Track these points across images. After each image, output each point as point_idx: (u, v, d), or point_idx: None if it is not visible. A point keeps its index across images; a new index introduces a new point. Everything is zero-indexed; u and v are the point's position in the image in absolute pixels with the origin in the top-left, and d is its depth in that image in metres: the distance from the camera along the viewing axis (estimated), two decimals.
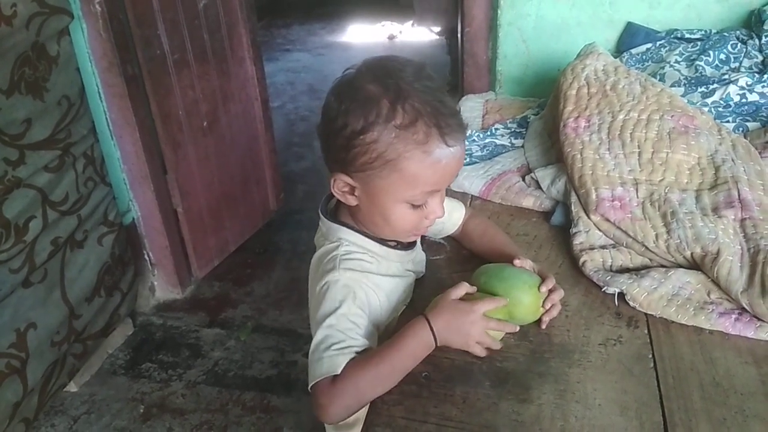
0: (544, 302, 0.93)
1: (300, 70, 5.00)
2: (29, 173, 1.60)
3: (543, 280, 0.94)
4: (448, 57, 3.67)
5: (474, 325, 0.86)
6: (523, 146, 1.42)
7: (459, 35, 1.99)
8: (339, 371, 0.81)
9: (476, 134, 1.46)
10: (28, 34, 1.57)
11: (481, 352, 0.88)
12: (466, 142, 1.40)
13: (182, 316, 2.36)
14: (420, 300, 0.99)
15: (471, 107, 1.67)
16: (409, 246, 1.01)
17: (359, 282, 0.89)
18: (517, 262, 0.96)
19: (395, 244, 0.97)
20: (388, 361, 0.83)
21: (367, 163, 0.83)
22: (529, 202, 1.25)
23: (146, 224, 2.28)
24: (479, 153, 1.41)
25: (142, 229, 2.28)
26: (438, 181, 0.86)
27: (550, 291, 0.93)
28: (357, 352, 0.84)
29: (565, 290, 1.00)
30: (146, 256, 2.33)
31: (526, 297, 0.91)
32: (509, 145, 1.44)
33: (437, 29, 5.07)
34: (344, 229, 0.94)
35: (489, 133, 1.47)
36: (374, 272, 0.93)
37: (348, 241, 0.93)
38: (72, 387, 2.00)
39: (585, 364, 0.88)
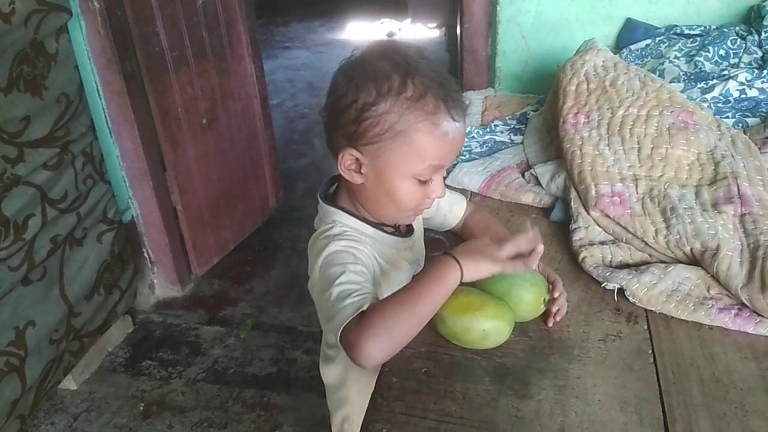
0: (550, 306, 0.93)
1: (299, 68, 5.00)
2: (28, 171, 1.60)
3: (549, 281, 0.95)
4: (447, 53, 3.67)
5: (491, 258, 0.84)
6: (522, 142, 1.42)
7: (458, 32, 1.99)
8: (365, 308, 0.80)
9: (475, 131, 1.46)
10: (27, 32, 1.57)
11: (507, 269, 0.85)
12: (465, 139, 1.42)
13: (182, 314, 2.36)
14: None
15: (470, 104, 1.67)
16: (407, 233, 1.03)
17: (355, 247, 0.91)
18: (530, 233, 0.92)
19: (392, 230, 1.00)
20: (415, 294, 0.82)
21: (379, 135, 0.86)
22: (528, 198, 1.24)
23: (145, 222, 2.28)
24: (479, 149, 1.41)
25: (142, 226, 2.28)
26: (444, 156, 0.89)
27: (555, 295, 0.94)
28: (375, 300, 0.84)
29: (564, 286, 1.00)
30: (146, 254, 2.33)
31: (527, 294, 0.91)
32: (509, 141, 1.44)
33: (433, 24, 5.07)
34: (340, 212, 0.97)
35: (488, 129, 1.47)
36: (368, 250, 0.94)
37: (342, 223, 0.96)
38: (72, 385, 2.00)
39: (585, 360, 0.88)
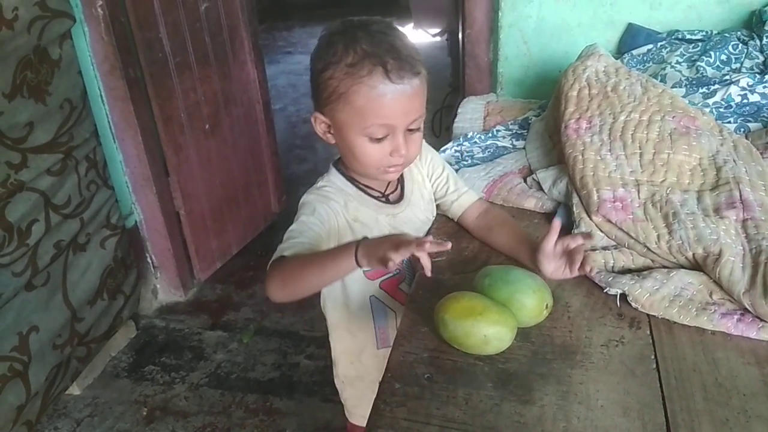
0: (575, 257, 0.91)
1: (302, 73, 5.00)
2: (32, 177, 1.61)
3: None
4: (449, 58, 3.67)
5: (388, 244, 0.83)
6: (524, 148, 1.42)
7: (460, 37, 1.99)
8: (286, 254, 0.94)
9: (477, 136, 1.46)
10: (30, 38, 1.57)
11: (391, 268, 0.82)
12: (467, 143, 1.43)
13: (185, 319, 2.36)
14: (421, 301, 0.99)
15: (472, 109, 1.67)
16: (396, 201, 1.12)
17: (320, 202, 1.05)
18: (556, 222, 0.95)
19: (378, 194, 1.10)
20: (316, 258, 0.93)
21: (327, 98, 0.97)
22: (530, 203, 1.24)
23: (148, 227, 2.28)
24: (481, 154, 1.41)
25: (145, 231, 2.29)
26: (388, 115, 0.96)
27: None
28: (308, 250, 0.96)
29: (567, 291, 1.00)
30: (149, 259, 2.34)
31: (530, 301, 0.91)
32: (511, 146, 1.44)
33: (434, 31, 5.06)
34: (333, 170, 1.11)
35: (490, 134, 1.47)
36: (341, 206, 1.06)
37: (329, 179, 1.10)
38: (75, 390, 2.00)
39: (587, 365, 0.87)
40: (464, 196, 1.19)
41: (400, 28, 1.01)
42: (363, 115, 0.96)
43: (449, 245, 0.86)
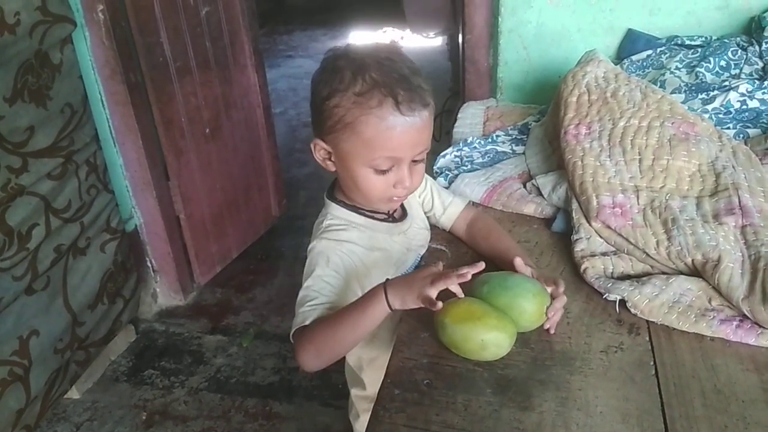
0: (547, 310, 0.93)
1: (302, 77, 5.01)
2: (32, 181, 1.61)
3: (550, 285, 0.96)
4: (449, 63, 3.68)
5: (422, 282, 0.86)
6: (524, 153, 1.42)
7: (460, 42, 2.00)
8: (308, 323, 0.91)
9: (477, 141, 1.46)
10: (31, 42, 1.58)
11: (437, 307, 0.84)
12: (467, 149, 1.44)
13: (184, 323, 2.36)
14: None
15: (472, 114, 1.67)
16: (401, 218, 1.10)
17: (333, 249, 0.99)
18: (517, 260, 0.98)
19: (384, 216, 1.07)
20: (345, 316, 0.90)
21: (333, 126, 0.94)
22: (530, 209, 1.25)
23: (149, 231, 2.28)
24: (480, 160, 1.42)
25: (145, 235, 2.29)
26: (396, 148, 0.93)
27: (554, 298, 0.94)
28: (330, 309, 0.93)
29: (566, 297, 1.00)
30: (149, 263, 2.34)
31: (530, 305, 0.91)
32: (510, 151, 1.44)
33: (431, 33, 5.05)
34: (333, 204, 1.06)
35: (490, 140, 1.47)
36: (354, 242, 1.02)
37: (332, 214, 1.04)
38: (74, 394, 2.00)
39: (586, 372, 0.88)
40: (450, 208, 1.18)
41: (398, 35, 1.01)
42: (370, 147, 0.93)
43: (482, 265, 0.89)
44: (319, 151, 1.00)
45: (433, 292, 0.84)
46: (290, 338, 0.93)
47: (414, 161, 0.97)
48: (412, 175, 0.98)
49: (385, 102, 0.90)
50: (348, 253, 1.00)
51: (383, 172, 0.95)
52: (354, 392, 1.25)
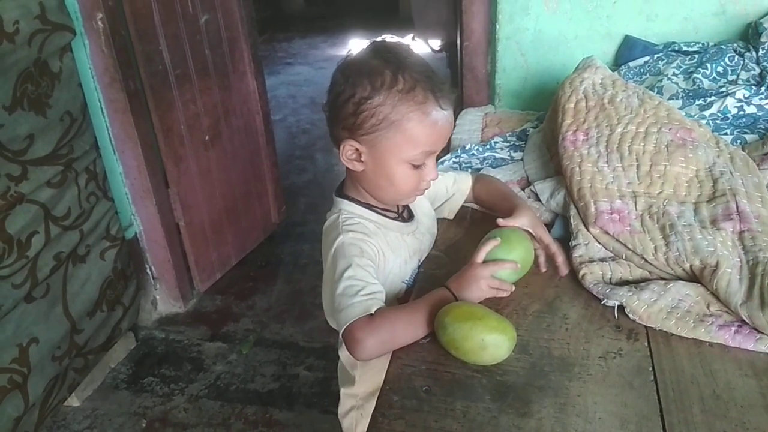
0: (538, 261, 1.07)
1: (301, 84, 5.02)
2: (31, 189, 1.61)
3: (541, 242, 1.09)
4: (448, 70, 3.69)
5: (480, 276, 0.97)
6: (522, 159, 1.42)
7: (458, 49, 2.00)
8: (373, 311, 0.91)
9: (476, 148, 1.46)
10: (31, 51, 1.58)
11: (497, 293, 0.99)
12: (465, 155, 1.44)
13: (184, 330, 2.36)
14: None
15: (470, 120, 1.68)
16: (408, 218, 1.13)
17: (362, 239, 1.01)
18: (501, 221, 1.07)
19: (395, 216, 1.10)
20: (417, 310, 0.93)
21: (375, 125, 0.95)
22: None
23: (148, 238, 2.28)
24: (479, 166, 1.42)
25: (144, 243, 2.29)
26: (435, 142, 0.98)
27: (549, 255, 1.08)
28: (383, 301, 0.95)
29: (564, 303, 1.01)
30: (148, 270, 2.34)
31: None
32: (508, 158, 1.44)
33: (436, 45, 5.06)
34: (345, 201, 1.07)
35: (488, 146, 1.47)
36: (375, 236, 1.04)
37: (346, 210, 1.06)
38: (74, 401, 2.00)
39: (585, 378, 0.87)
40: (461, 185, 1.24)
41: (400, 38, 1.03)
42: (414, 142, 0.96)
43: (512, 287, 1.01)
44: (349, 151, 1.00)
45: (496, 283, 0.98)
46: (340, 333, 0.93)
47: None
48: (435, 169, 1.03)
49: (428, 97, 0.94)
50: (377, 248, 1.03)
51: (418, 167, 0.99)
52: (343, 391, 1.25)
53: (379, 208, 1.08)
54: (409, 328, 0.92)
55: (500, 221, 1.07)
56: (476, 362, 0.89)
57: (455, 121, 1.67)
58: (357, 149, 0.99)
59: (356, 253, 0.98)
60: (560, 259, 1.07)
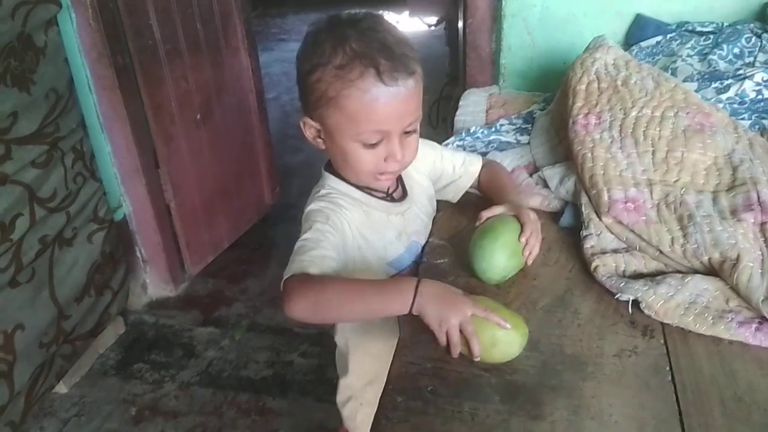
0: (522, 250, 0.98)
1: (295, 61, 4.94)
2: (16, 169, 1.56)
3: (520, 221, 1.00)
4: (447, 48, 3.62)
5: (456, 313, 0.82)
6: (529, 143, 1.37)
7: (461, 26, 1.94)
8: (310, 272, 0.86)
9: (480, 131, 1.41)
10: (14, 24, 1.52)
11: (442, 340, 0.84)
12: (470, 138, 1.38)
13: (175, 315, 2.32)
14: None
15: (474, 101, 1.62)
16: (400, 198, 1.07)
17: (332, 210, 0.97)
18: (483, 213, 1.02)
19: (383, 195, 1.05)
20: (360, 289, 0.86)
21: (317, 102, 0.92)
22: (536, 201, 1.19)
23: (138, 220, 2.23)
24: (484, 149, 1.36)
25: (134, 225, 2.24)
26: (382, 120, 0.91)
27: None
28: (333, 269, 0.90)
29: (576, 297, 0.96)
30: (138, 253, 2.29)
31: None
32: (514, 141, 1.39)
33: (432, 21, 5.00)
34: (330, 176, 1.03)
35: (494, 129, 1.41)
36: (352, 212, 0.99)
37: (330, 186, 1.02)
38: (62, 388, 1.96)
39: (599, 377, 0.83)
40: (470, 167, 1.18)
41: (394, 18, 0.96)
42: (355, 121, 0.90)
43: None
44: (309, 129, 0.98)
45: (457, 338, 0.83)
46: (281, 285, 0.88)
47: (405, 133, 0.95)
48: (404, 148, 0.95)
49: (366, 73, 0.87)
50: (347, 221, 0.98)
51: (372, 146, 0.93)
52: (341, 380, 1.22)
53: (362, 185, 1.03)
54: (345, 302, 0.86)
55: (482, 213, 1.03)
56: (485, 360, 0.84)
57: (459, 103, 1.62)
58: (314, 126, 0.97)
59: (321, 219, 0.95)
60: (534, 251, 1.00)
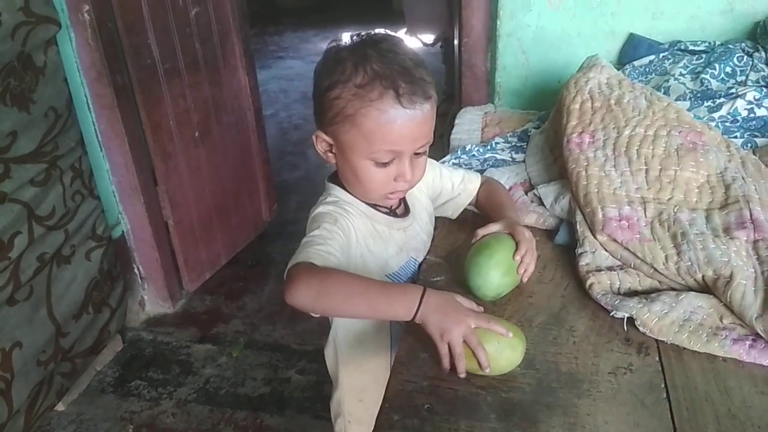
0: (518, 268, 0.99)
1: (293, 78, 4.97)
2: (14, 187, 1.56)
3: (515, 239, 1.01)
4: (443, 66, 3.64)
5: (459, 324, 0.84)
6: (524, 161, 1.38)
7: (457, 46, 1.96)
8: (317, 262, 0.88)
9: (476, 149, 1.42)
10: (14, 44, 1.53)
11: (444, 353, 0.85)
12: (465, 156, 1.39)
13: (173, 331, 2.31)
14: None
15: (470, 120, 1.63)
16: (402, 214, 1.09)
17: (340, 214, 0.99)
18: (479, 231, 1.04)
19: (387, 210, 1.06)
20: (366, 286, 0.87)
21: (333, 118, 0.93)
22: (531, 219, 1.20)
23: (136, 237, 2.23)
24: (479, 167, 1.38)
25: (132, 242, 2.24)
26: (396, 141, 0.92)
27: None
28: (336, 267, 0.90)
29: (571, 315, 0.97)
30: (136, 270, 2.29)
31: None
32: (510, 159, 1.40)
33: (429, 39, 5.03)
34: (336, 187, 1.04)
35: (489, 147, 1.43)
36: (357, 221, 1.01)
37: (335, 195, 1.04)
38: (59, 406, 1.95)
39: (595, 395, 0.84)
40: (468, 185, 1.19)
41: (402, 38, 0.98)
42: (370, 140, 0.92)
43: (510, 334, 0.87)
44: (321, 143, 0.99)
45: (460, 351, 0.84)
46: (285, 273, 0.88)
47: (416, 154, 0.97)
48: (414, 169, 0.97)
49: (386, 94, 0.89)
50: (353, 227, 1.00)
51: (384, 164, 0.95)
52: (333, 395, 1.23)
53: (366, 201, 1.04)
54: (350, 296, 0.86)
55: (478, 231, 1.04)
56: (494, 371, 0.84)
57: (455, 121, 1.63)
58: (326, 141, 0.98)
59: (329, 220, 0.97)
60: (529, 269, 1.01)
